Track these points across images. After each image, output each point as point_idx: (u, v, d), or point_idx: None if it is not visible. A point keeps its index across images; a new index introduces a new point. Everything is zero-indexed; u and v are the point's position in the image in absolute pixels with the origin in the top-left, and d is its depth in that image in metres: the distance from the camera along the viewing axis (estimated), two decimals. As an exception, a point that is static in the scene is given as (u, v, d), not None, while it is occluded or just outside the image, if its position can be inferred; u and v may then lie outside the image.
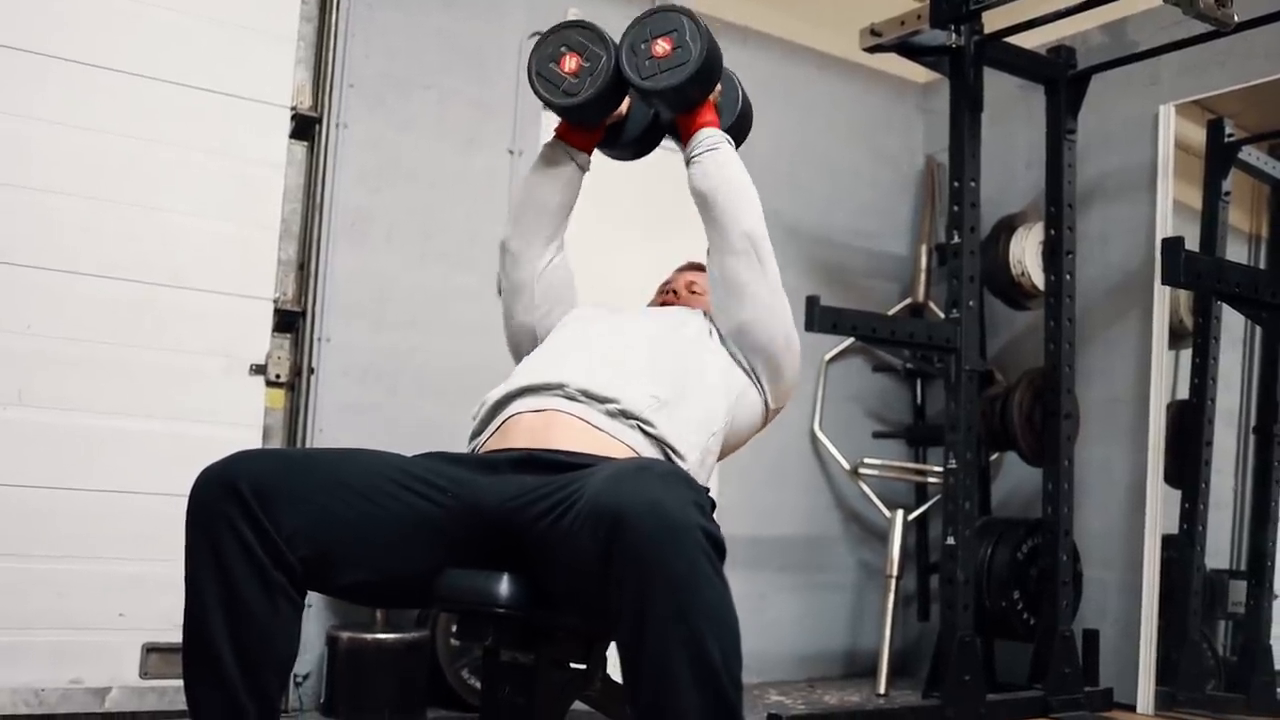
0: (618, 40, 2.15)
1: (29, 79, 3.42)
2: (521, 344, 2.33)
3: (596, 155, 2.38)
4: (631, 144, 2.41)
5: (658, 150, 2.44)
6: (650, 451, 1.95)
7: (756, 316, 2.16)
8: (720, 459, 2.21)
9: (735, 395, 2.16)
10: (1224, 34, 3.61)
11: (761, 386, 2.22)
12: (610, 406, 1.95)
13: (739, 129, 2.36)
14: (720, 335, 2.21)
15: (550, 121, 4.48)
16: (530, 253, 2.28)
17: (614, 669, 1.68)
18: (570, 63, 2.16)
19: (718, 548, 1.54)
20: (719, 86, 2.29)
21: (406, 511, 1.79)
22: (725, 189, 2.14)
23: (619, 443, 1.93)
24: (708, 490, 1.73)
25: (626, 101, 2.32)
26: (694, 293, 2.48)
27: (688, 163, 2.19)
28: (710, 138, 2.18)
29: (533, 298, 2.30)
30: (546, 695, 1.86)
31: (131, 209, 3.55)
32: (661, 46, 2.11)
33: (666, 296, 2.53)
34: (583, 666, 1.97)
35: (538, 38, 2.23)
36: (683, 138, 2.22)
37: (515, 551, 1.78)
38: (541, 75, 2.18)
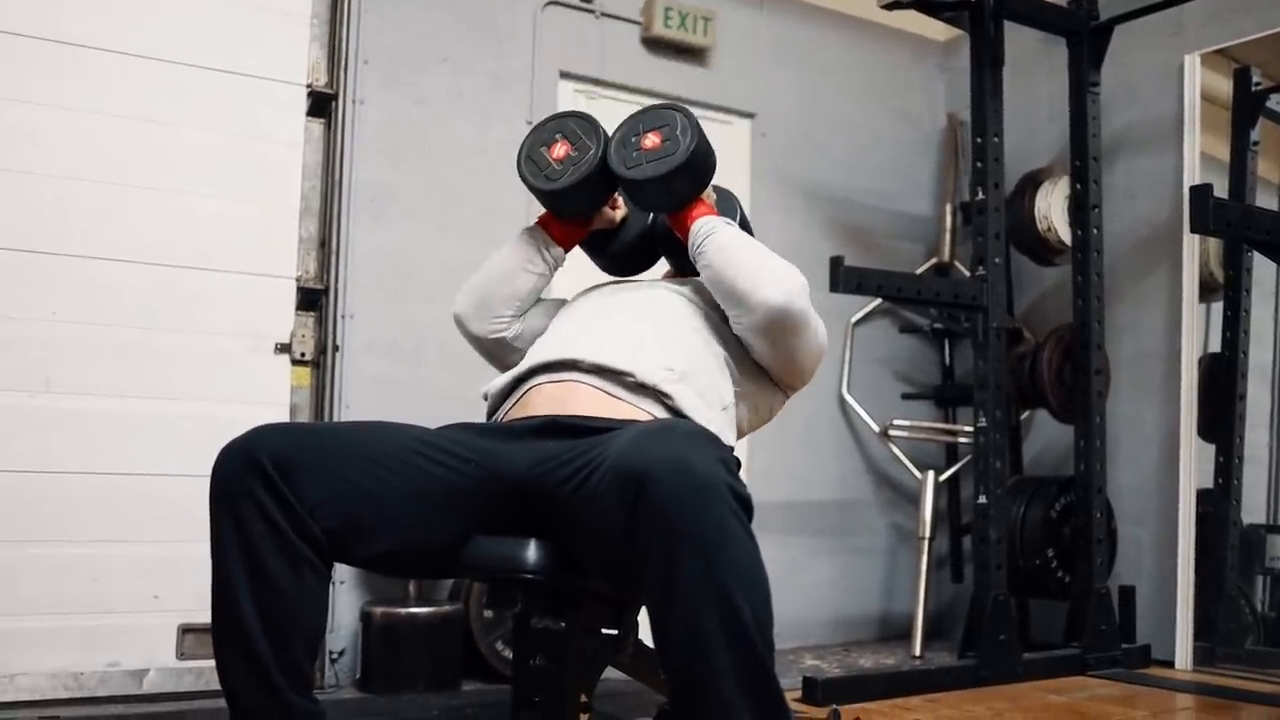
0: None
1: (44, 66, 3.42)
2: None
3: None
4: (622, 254, 2.37)
5: None
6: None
7: (804, 369, 2.17)
8: (741, 436, 2.17)
9: (749, 381, 2.15)
10: (1248, -22, 3.55)
11: (775, 384, 2.21)
12: (627, 380, 1.94)
13: None
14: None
15: (565, 101, 4.45)
16: (495, 327, 2.25)
17: (646, 634, 1.66)
18: (559, 149, 2.15)
19: (745, 505, 1.52)
20: (713, 195, 2.24)
21: (430, 481, 1.79)
22: (734, 271, 2.05)
23: (641, 410, 1.91)
24: (733, 449, 1.71)
25: (621, 211, 2.30)
26: None
27: (694, 261, 2.12)
28: (706, 225, 2.11)
29: (514, 344, 2.27)
30: (579, 662, 1.85)
31: (151, 192, 3.55)
32: (651, 140, 2.09)
33: None
34: (614, 632, 1.95)
35: (538, 123, 2.23)
36: (681, 240, 2.16)
37: (540, 518, 1.77)
38: (530, 158, 2.18)
